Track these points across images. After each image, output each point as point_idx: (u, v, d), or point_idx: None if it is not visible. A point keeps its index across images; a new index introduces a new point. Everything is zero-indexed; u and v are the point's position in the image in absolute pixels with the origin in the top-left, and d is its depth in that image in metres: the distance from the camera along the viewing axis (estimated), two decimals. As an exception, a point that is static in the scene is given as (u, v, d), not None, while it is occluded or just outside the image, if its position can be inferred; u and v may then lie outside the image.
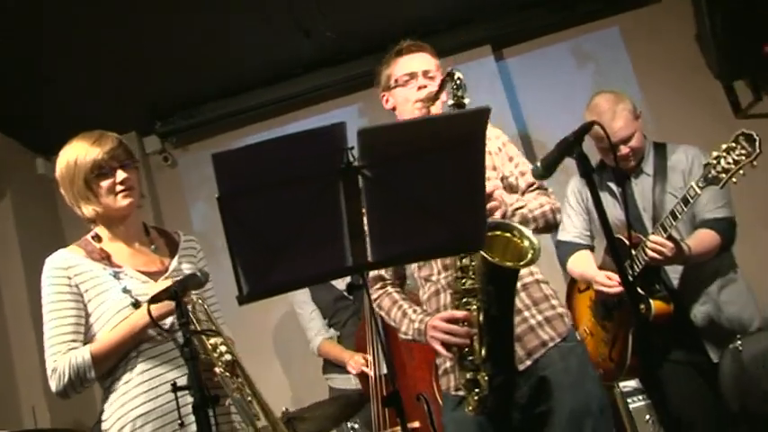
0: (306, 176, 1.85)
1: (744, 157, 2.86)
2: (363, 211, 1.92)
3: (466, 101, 2.40)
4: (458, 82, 2.40)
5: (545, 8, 5.36)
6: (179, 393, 2.16)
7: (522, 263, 2.24)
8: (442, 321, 2.37)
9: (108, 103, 5.13)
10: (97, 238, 2.55)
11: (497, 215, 2.38)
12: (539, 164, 2.16)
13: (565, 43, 5.47)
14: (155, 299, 2.14)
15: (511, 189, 2.64)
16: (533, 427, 2.47)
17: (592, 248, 3.59)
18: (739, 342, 2.96)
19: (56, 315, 2.41)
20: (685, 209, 3.04)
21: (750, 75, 5.08)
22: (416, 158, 1.88)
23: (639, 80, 5.06)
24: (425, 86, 2.61)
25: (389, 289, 2.72)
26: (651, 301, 3.20)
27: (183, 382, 2.22)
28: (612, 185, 3.46)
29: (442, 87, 2.49)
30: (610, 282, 3.23)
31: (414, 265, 2.67)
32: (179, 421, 2.17)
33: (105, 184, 2.47)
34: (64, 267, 2.45)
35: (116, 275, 2.45)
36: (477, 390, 2.32)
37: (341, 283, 4.40)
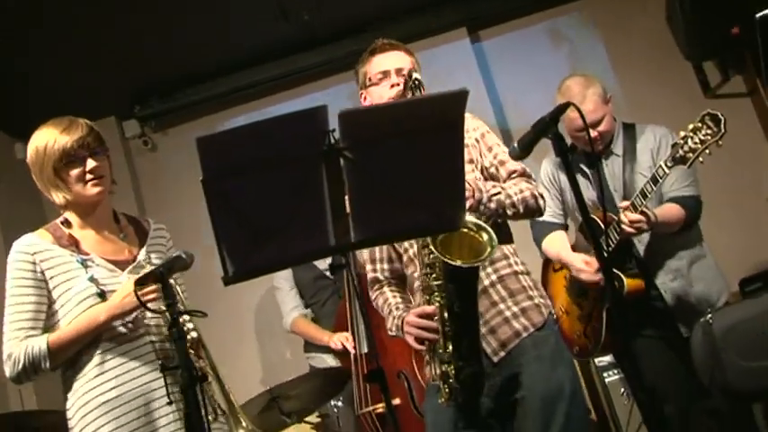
0: (289, 158, 1.86)
1: (710, 137, 2.93)
2: (345, 191, 1.92)
3: None
4: (415, 83, 2.43)
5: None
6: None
7: (480, 258, 2.23)
8: (415, 316, 2.41)
9: (87, 88, 5.09)
10: (67, 223, 2.52)
11: (468, 203, 2.34)
12: (515, 144, 2.19)
13: (540, 25, 5.49)
14: (140, 281, 2.16)
15: (492, 179, 2.65)
16: (506, 413, 2.49)
17: (566, 228, 3.65)
18: (710, 316, 3.00)
19: (16, 301, 2.39)
20: (654, 188, 3.10)
21: (719, 55, 5.13)
22: (396, 140, 1.90)
23: (612, 61, 5.11)
24: (398, 84, 2.62)
25: (384, 288, 2.75)
26: (624, 278, 3.26)
27: (146, 370, 2.35)
28: (584, 167, 3.50)
29: (405, 88, 2.53)
30: (588, 268, 3.27)
31: (404, 255, 2.69)
32: (167, 400, 2.19)
33: (74, 172, 2.44)
34: (30, 253, 2.42)
35: (83, 263, 2.43)
36: (449, 381, 2.35)
37: (322, 263, 4.41)
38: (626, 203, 3.15)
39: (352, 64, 5.46)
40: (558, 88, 3.47)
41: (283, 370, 5.06)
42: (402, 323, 2.51)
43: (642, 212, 3.10)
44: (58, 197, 2.46)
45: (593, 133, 3.35)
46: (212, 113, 5.68)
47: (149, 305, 2.26)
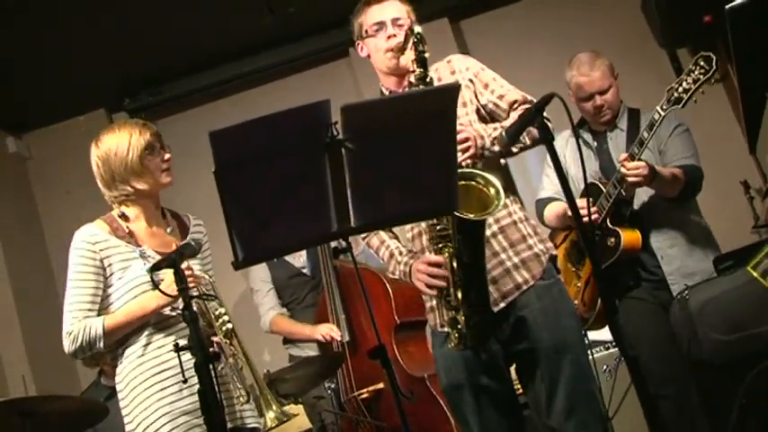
0: (294, 150, 1.97)
1: (702, 76, 3.02)
2: (346, 180, 2.02)
3: (426, 55, 2.43)
4: (417, 37, 2.41)
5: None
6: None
7: (486, 212, 2.29)
8: (424, 264, 2.47)
9: (77, 82, 5.17)
10: (123, 216, 2.71)
11: (470, 152, 2.42)
12: (504, 133, 2.30)
13: (519, 14, 5.58)
14: (155, 267, 2.28)
15: (493, 117, 2.66)
16: (515, 361, 2.60)
17: None
18: (686, 292, 3.10)
19: (78, 284, 2.61)
20: (650, 133, 3.17)
21: (691, 43, 5.20)
22: (394, 131, 2.01)
23: (591, 49, 5.18)
24: (395, 35, 2.60)
25: (380, 232, 2.76)
26: (621, 232, 3.33)
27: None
28: (589, 139, 3.61)
29: (406, 40, 2.48)
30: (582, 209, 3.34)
31: None
32: (182, 379, 2.31)
33: (156, 161, 2.68)
34: (91, 242, 2.62)
35: (142, 255, 2.63)
36: (458, 327, 2.42)
37: (298, 261, 4.51)
38: (624, 155, 3.22)
39: (339, 54, 5.57)
40: (568, 62, 3.57)
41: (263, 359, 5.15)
42: (410, 270, 2.56)
43: (647, 165, 3.17)
44: (139, 185, 2.65)
45: (599, 100, 3.47)
46: (200, 105, 5.73)
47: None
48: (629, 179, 3.19)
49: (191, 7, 4.83)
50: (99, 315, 2.61)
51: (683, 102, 3.08)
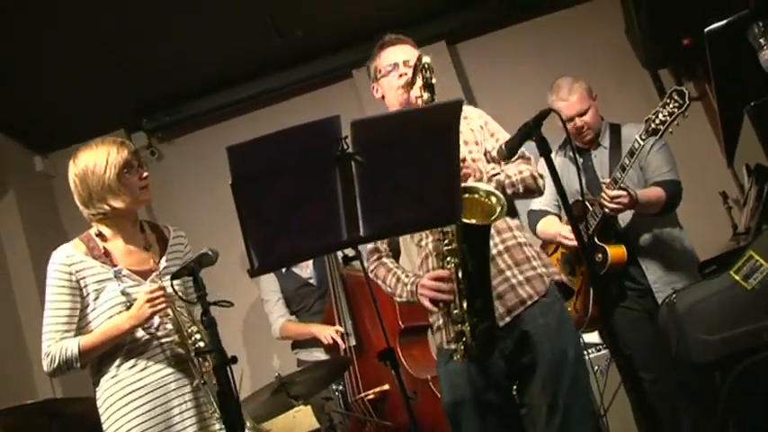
0: (306, 163, 1.95)
1: (677, 109, 3.06)
2: (356, 191, 2.00)
3: (433, 81, 2.45)
4: (425, 65, 2.44)
5: (493, 4, 5.46)
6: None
7: (491, 218, 2.27)
8: (430, 280, 2.42)
9: (98, 103, 5.15)
10: (100, 235, 2.59)
11: (470, 181, 2.42)
12: (503, 146, 2.28)
13: (512, 38, 5.58)
14: (176, 275, 2.24)
15: (495, 162, 2.67)
16: (518, 375, 2.54)
17: (560, 216, 3.71)
18: (674, 295, 3.07)
19: (54, 306, 2.49)
20: (631, 160, 3.21)
21: (673, 64, 5.27)
22: (401, 145, 1.99)
23: (578, 69, 5.17)
24: (406, 74, 2.64)
25: (384, 259, 2.75)
26: (608, 248, 3.36)
27: (159, 366, 2.48)
28: (575, 157, 3.62)
29: (415, 73, 2.51)
30: (570, 235, 3.35)
31: (407, 236, 2.71)
32: (202, 381, 2.26)
33: (134, 179, 2.54)
34: (67, 264, 2.50)
35: (116, 275, 2.51)
36: (463, 339, 2.37)
37: (304, 272, 4.49)
38: (607, 180, 3.27)
39: (343, 75, 5.57)
40: (550, 87, 3.60)
41: (272, 365, 5.11)
42: (416, 288, 2.52)
43: (622, 188, 3.21)
44: (115, 203, 2.51)
45: (579, 121, 3.51)
46: (214, 124, 5.71)
47: (157, 309, 2.41)
48: (609, 207, 3.24)
49: (205, 32, 4.82)
50: (77, 335, 2.49)
51: (660, 133, 3.13)
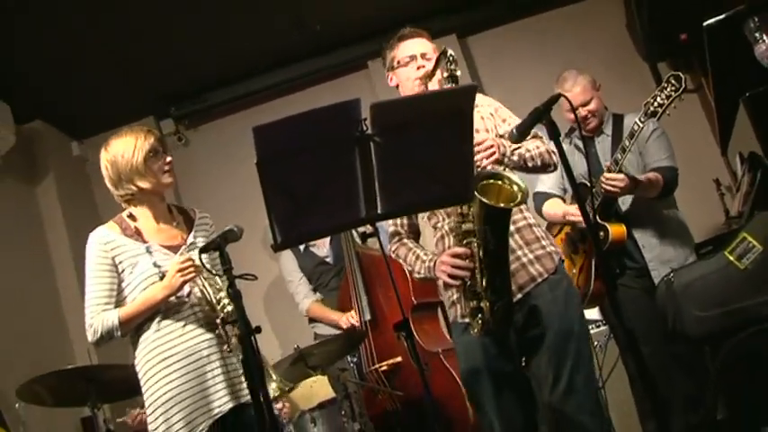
0: (327, 143, 1.94)
1: (674, 92, 3.05)
2: (374, 171, 1.98)
3: (458, 73, 2.41)
4: (450, 58, 2.41)
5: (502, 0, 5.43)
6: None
7: (513, 203, 2.26)
8: (448, 257, 2.40)
9: (130, 93, 5.16)
10: (131, 216, 2.65)
11: (494, 157, 2.40)
12: (514, 129, 2.25)
13: (520, 32, 5.52)
14: (203, 249, 2.24)
15: None
16: (527, 346, 2.53)
17: (564, 199, 3.71)
18: (672, 274, 3.07)
19: (94, 282, 2.57)
20: (631, 141, 3.20)
21: (670, 57, 5.21)
22: (418, 127, 1.97)
23: (582, 62, 5.12)
24: (423, 66, 2.60)
25: (405, 240, 2.73)
26: (609, 226, 3.36)
27: (194, 332, 2.51)
28: (579, 144, 3.61)
29: (437, 65, 2.47)
30: (576, 212, 3.34)
31: (424, 217, 2.69)
32: (228, 349, 2.26)
33: (158, 164, 2.61)
34: (103, 243, 2.58)
35: (148, 250, 2.56)
36: (480, 315, 2.36)
37: (321, 251, 4.49)
38: (608, 162, 3.27)
39: (359, 66, 5.54)
40: (555, 79, 3.58)
41: (291, 336, 5.08)
42: (434, 265, 2.51)
43: (627, 176, 3.21)
44: (143, 183, 2.59)
45: (583, 111, 3.49)
46: (237, 112, 5.67)
47: (187, 278, 2.46)
48: (606, 188, 3.23)
49: (230, 26, 4.79)
50: (115, 308, 2.56)
51: (658, 115, 3.11)
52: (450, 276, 2.40)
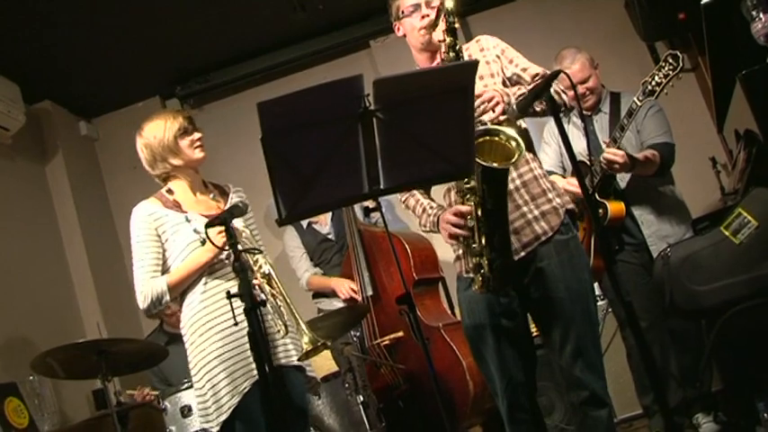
0: (330, 119, 1.92)
1: (671, 71, 3.05)
2: (377, 146, 1.97)
3: (456, 26, 2.37)
4: (449, 10, 2.35)
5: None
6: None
7: (510, 161, 2.21)
8: (451, 215, 2.37)
9: (136, 73, 5.14)
10: (169, 191, 2.76)
11: (499, 108, 2.33)
12: (514, 105, 2.22)
13: (521, 10, 5.46)
14: (209, 224, 2.24)
15: (516, 85, 2.58)
16: (533, 307, 2.53)
17: (564, 176, 3.65)
18: (668, 249, 3.06)
19: (141, 252, 2.66)
20: (630, 120, 3.19)
21: (668, 36, 5.14)
22: (420, 102, 1.95)
23: (580, 40, 5.08)
24: (428, 15, 2.52)
25: (414, 192, 2.69)
26: (608, 203, 3.35)
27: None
28: (578, 121, 3.58)
29: (438, 15, 2.40)
30: (575, 182, 3.28)
31: None
32: (234, 322, 2.27)
33: (187, 140, 2.73)
34: (147, 215, 2.68)
35: (187, 219, 2.65)
36: (481, 271, 2.34)
37: (323, 228, 4.48)
38: (608, 140, 3.26)
39: (361, 46, 5.49)
40: (554, 57, 3.55)
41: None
42: (438, 220, 2.49)
43: (626, 154, 3.19)
44: (176, 161, 2.71)
45: (581, 88, 3.46)
46: (242, 91, 5.63)
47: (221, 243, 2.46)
48: (606, 165, 3.21)
49: (233, 6, 4.74)
50: (162, 275, 2.65)
51: (656, 94, 3.10)
52: (450, 236, 2.39)
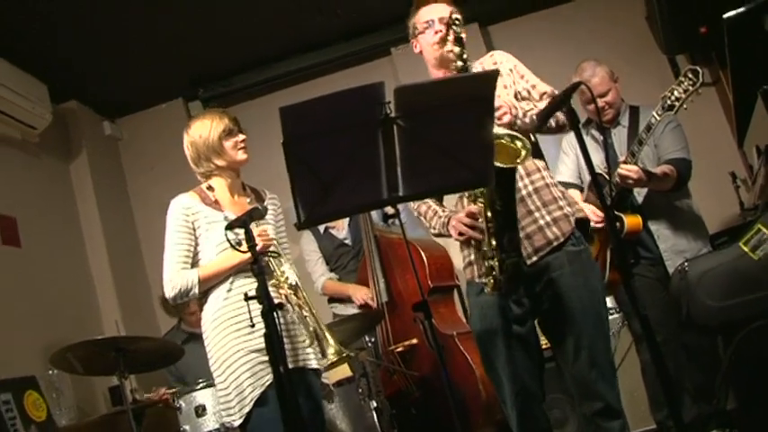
0: (351, 125, 1.91)
1: (691, 86, 2.99)
2: (397, 154, 1.96)
3: (462, 35, 2.39)
4: (455, 20, 2.40)
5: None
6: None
7: (517, 161, 2.19)
8: (462, 215, 2.41)
9: (160, 75, 5.19)
10: (210, 188, 2.77)
11: (506, 119, 2.34)
12: (534, 116, 2.21)
13: (541, 22, 5.43)
14: (229, 226, 2.25)
15: (525, 100, 2.60)
16: (544, 316, 2.52)
17: (581, 189, 3.66)
18: (686, 263, 3.03)
19: (175, 242, 2.67)
20: (648, 134, 3.14)
21: (689, 50, 5.11)
22: (440, 111, 1.94)
23: (601, 53, 5.06)
24: (441, 31, 2.55)
25: (428, 200, 2.70)
26: (624, 217, 3.31)
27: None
28: (596, 134, 3.56)
29: (447, 30, 2.44)
30: (595, 216, 3.23)
31: None
32: (250, 324, 2.28)
33: (232, 141, 2.75)
34: (185, 207, 2.69)
35: (225, 218, 2.64)
36: (493, 273, 2.34)
37: (340, 233, 4.47)
38: (623, 157, 3.22)
39: (382, 53, 5.49)
40: (575, 69, 3.53)
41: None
42: (448, 221, 2.53)
43: (641, 169, 3.15)
44: (219, 161, 2.73)
45: (600, 102, 3.43)
46: (262, 95, 5.65)
47: (267, 243, 2.55)
48: (620, 179, 3.18)
49: (255, 11, 4.76)
50: (192, 268, 2.66)
51: (676, 109, 3.05)
52: (460, 234, 2.40)
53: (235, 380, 2.54)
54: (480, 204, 2.29)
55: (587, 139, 3.57)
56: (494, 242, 2.28)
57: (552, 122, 2.48)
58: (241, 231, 2.51)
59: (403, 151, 1.96)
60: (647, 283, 3.38)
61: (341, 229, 4.48)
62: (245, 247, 2.40)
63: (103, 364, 3.16)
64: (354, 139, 1.92)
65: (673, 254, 3.35)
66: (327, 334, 2.35)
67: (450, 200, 2.70)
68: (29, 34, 4.26)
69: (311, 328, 2.43)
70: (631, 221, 3.32)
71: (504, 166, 2.17)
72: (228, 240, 2.30)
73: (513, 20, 5.48)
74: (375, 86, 1.86)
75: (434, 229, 2.63)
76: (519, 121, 2.42)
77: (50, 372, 3.73)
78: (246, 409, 2.51)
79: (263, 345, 2.36)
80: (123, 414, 3.34)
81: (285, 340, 2.53)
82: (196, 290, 2.62)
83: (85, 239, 5.01)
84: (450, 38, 2.40)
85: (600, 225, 3.25)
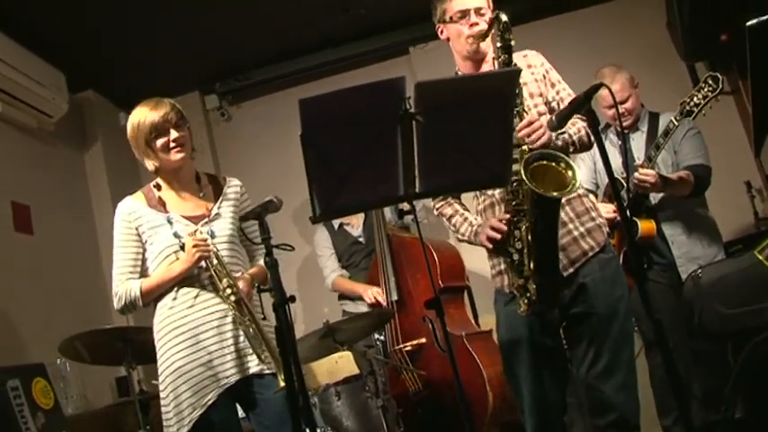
0: (370, 119, 1.91)
1: (710, 93, 3.02)
2: (415, 150, 1.95)
3: (512, 42, 2.30)
4: (504, 24, 2.28)
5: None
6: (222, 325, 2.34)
7: (564, 191, 2.18)
8: (497, 221, 2.36)
9: (177, 67, 5.19)
10: (157, 186, 2.63)
11: (542, 140, 2.29)
12: (553, 117, 2.20)
13: (558, 28, 5.39)
14: (244, 218, 2.23)
15: (551, 112, 2.54)
16: (569, 321, 2.48)
17: (596, 194, 3.65)
18: (700, 270, 3.02)
19: (120, 251, 2.58)
20: (666, 139, 3.15)
21: (709, 58, 5.07)
22: (460, 108, 1.93)
23: (620, 59, 5.03)
24: (477, 24, 2.44)
25: (451, 200, 2.63)
26: (639, 222, 3.31)
27: (206, 303, 2.47)
28: (615, 139, 3.55)
29: (491, 27, 2.35)
30: (609, 213, 3.24)
31: None
32: (261, 316, 2.25)
33: (161, 142, 2.52)
34: (127, 213, 2.58)
35: (169, 220, 2.53)
36: (527, 294, 2.31)
37: (354, 231, 4.47)
38: (641, 161, 3.23)
39: (400, 52, 5.48)
40: (595, 74, 3.51)
41: (320, 314, 5.09)
42: (477, 229, 2.47)
43: (658, 174, 3.15)
44: (149, 164, 2.58)
45: (620, 109, 3.41)
46: (280, 90, 5.66)
47: (204, 254, 2.43)
48: (635, 181, 3.17)
49: (275, 6, 4.77)
50: (141, 276, 2.56)
51: (694, 114, 3.06)
52: (488, 239, 2.36)
53: (174, 398, 2.44)
54: (522, 228, 2.28)
55: (605, 143, 3.55)
56: (533, 265, 2.25)
57: (578, 146, 2.47)
58: (182, 230, 2.49)
59: (421, 147, 1.95)
60: (659, 288, 3.37)
61: (356, 226, 4.48)
62: (185, 254, 2.37)
63: (111, 353, 3.15)
64: (373, 134, 1.92)
65: (686, 260, 3.35)
66: (274, 354, 2.27)
67: (468, 198, 2.67)
68: (49, 22, 4.27)
69: (259, 350, 2.39)
70: (645, 226, 3.32)
71: (555, 196, 2.15)
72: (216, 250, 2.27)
73: (531, 23, 5.43)
74: (396, 81, 1.86)
75: (462, 235, 2.56)
76: (552, 144, 2.37)
77: (58, 360, 3.74)
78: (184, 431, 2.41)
79: (211, 356, 2.36)
80: (130, 405, 3.34)
81: (231, 348, 2.46)
82: (140, 302, 2.52)
83: (98, 229, 5.03)
84: (498, 43, 2.32)
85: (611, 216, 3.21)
